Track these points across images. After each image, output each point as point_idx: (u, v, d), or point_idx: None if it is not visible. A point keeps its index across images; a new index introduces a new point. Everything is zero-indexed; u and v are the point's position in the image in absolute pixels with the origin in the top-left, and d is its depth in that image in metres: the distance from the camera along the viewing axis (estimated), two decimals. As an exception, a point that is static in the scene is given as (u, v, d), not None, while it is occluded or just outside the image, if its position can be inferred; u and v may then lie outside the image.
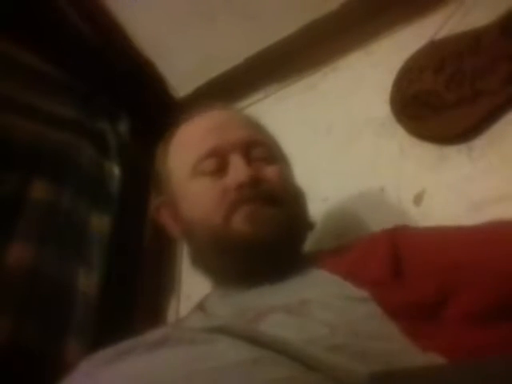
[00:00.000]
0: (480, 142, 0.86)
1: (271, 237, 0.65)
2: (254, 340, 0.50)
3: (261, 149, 0.73)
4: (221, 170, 0.70)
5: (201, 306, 0.71)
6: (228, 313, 0.62)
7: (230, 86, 1.17)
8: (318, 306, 0.56)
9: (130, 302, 1.04)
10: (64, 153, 1.04)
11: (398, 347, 0.49)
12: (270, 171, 0.71)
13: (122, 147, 1.14)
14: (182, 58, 1.17)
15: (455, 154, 0.88)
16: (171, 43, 1.14)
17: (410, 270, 0.59)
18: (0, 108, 0.96)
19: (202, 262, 0.73)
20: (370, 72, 1.05)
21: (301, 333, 0.51)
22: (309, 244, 0.82)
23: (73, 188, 1.02)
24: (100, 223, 1.04)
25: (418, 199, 0.87)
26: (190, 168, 0.72)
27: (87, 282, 0.96)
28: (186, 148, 0.75)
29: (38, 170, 0.98)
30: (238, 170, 0.69)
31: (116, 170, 1.11)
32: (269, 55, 1.12)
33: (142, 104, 1.19)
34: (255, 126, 0.79)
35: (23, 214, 0.92)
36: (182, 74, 1.20)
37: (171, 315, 1.10)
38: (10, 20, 0.97)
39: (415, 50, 0.97)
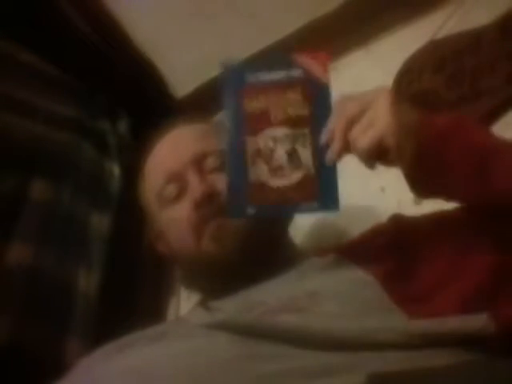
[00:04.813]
0: (480, 142, 0.86)
1: (239, 249, 0.65)
2: (257, 331, 0.51)
3: (213, 158, 0.71)
4: (183, 192, 0.70)
5: (203, 304, 0.71)
6: (233, 307, 0.62)
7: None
8: (325, 297, 0.57)
9: (130, 302, 1.04)
10: (64, 153, 1.04)
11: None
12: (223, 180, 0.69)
13: (122, 147, 1.14)
14: (182, 58, 1.17)
15: (455, 154, 0.88)
16: (171, 43, 1.14)
17: (415, 257, 0.61)
18: (0, 108, 0.96)
19: (193, 285, 0.75)
20: (370, 72, 1.05)
21: (305, 328, 0.52)
22: (308, 244, 0.82)
23: (73, 188, 1.02)
24: (100, 223, 1.04)
25: (418, 199, 0.87)
26: (156, 200, 0.73)
27: (87, 281, 0.96)
28: (149, 179, 0.76)
29: (37, 170, 0.97)
30: (192, 189, 0.69)
31: (116, 170, 1.11)
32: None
33: (142, 104, 1.19)
34: (208, 136, 0.76)
35: (23, 213, 0.92)
36: (182, 74, 1.20)
37: (171, 315, 1.10)
38: (10, 19, 0.98)
39: (415, 49, 0.97)
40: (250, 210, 0.61)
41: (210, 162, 0.71)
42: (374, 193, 0.92)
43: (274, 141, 0.62)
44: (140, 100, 1.18)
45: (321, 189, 0.61)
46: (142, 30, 1.12)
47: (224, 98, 0.65)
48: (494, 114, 0.85)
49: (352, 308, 0.56)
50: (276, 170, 0.61)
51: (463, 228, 0.60)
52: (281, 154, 0.61)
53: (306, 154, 0.61)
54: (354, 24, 1.06)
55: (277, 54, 0.67)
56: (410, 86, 0.94)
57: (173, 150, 0.74)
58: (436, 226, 0.64)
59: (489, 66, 0.86)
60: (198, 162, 0.71)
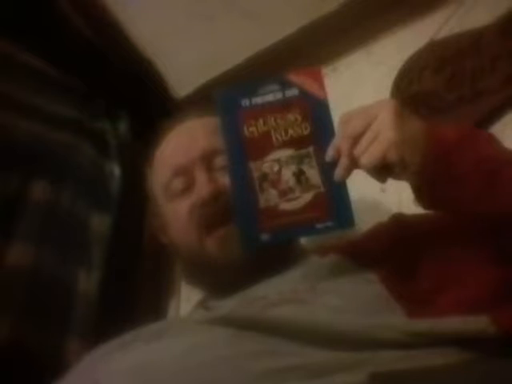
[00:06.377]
0: (480, 142, 0.86)
1: (246, 259, 0.65)
2: (257, 325, 0.51)
3: (222, 157, 0.69)
4: (189, 187, 0.70)
5: (202, 304, 0.71)
6: (233, 303, 0.63)
7: (230, 86, 1.17)
8: (326, 292, 0.58)
9: (130, 303, 1.04)
10: (64, 153, 1.04)
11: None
12: None
13: (122, 147, 1.14)
14: (182, 58, 1.17)
15: (455, 154, 0.88)
16: (171, 43, 1.14)
17: (416, 257, 0.61)
18: (0, 108, 0.96)
19: (193, 279, 0.75)
20: (370, 72, 1.05)
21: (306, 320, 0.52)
22: (310, 244, 0.82)
23: (73, 188, 1.02)
24: (100, 223, 1.04)
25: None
26: (162, 191, 0.73)
27: (87, 282, 0.96)
28: (157, 170, 0.76)
29: (38, 171, 0.97)
30: (199, 187, 0.69)
31: (116, 170, 1.11)
32: (269, 55, 1.12)
33: (142, 104, 1.19)
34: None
35: (23, 214, 0.92)
36: (182, 74, 1.20)
37: (171, 315, 1.10)
38: (11, 20, 0.97)
39: (415, 49, 0.97)
40: (264, 237, 0.60)
41: (220, 160, 0.70)
42: (374, 193, 0.91)
43: (279, 164, 0.61)
44: (140, 100, 1.18)
45: (334, 207, 0.60)
46: (142, 30, 1.12)
47: (221, 126, 0.65)
48: (494, 114, 0.85)
49: (353, 304, 0.56)
50: (285, 193, 0.60)
51: (465, 230, 0.60)
52: (288, 176, 0.61)
53: (313, 174, 0.60)
54: (354, 24, 1.06)
55: (270, 78, 0.66)
56: (410, 87, 0.95)
57: (183, 143, 0.73)
58: (438, 226, 0.64)
59: (489, 66, 0.86)
60: (208, 159, 0.71)
